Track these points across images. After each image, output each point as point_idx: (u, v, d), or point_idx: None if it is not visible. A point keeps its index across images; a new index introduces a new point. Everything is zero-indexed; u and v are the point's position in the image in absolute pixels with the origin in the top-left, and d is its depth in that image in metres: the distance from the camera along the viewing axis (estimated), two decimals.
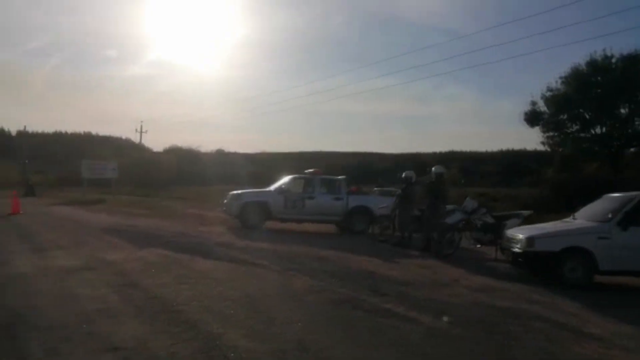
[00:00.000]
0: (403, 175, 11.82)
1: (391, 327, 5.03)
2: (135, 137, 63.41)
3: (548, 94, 36.52)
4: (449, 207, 10.55)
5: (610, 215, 7.60)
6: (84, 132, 68.87)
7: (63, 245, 9.55)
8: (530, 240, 7.70)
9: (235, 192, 14.78)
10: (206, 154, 54.52)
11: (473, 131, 75.50)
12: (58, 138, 68.14)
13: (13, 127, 67.32)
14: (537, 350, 4.63)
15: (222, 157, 53.46)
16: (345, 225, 14.45)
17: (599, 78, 34.27)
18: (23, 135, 52.14)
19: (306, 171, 15.70)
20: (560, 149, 37.70)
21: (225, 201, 14.69)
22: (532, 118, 37.86)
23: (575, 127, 36.37)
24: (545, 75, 75.77)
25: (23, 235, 10.93)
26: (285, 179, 15.00)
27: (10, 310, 5.30)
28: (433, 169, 10.96)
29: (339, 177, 15.10)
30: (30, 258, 8.19)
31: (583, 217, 8.18)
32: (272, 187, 14.88)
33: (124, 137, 66.70)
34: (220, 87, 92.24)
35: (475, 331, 5.05)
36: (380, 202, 14.13)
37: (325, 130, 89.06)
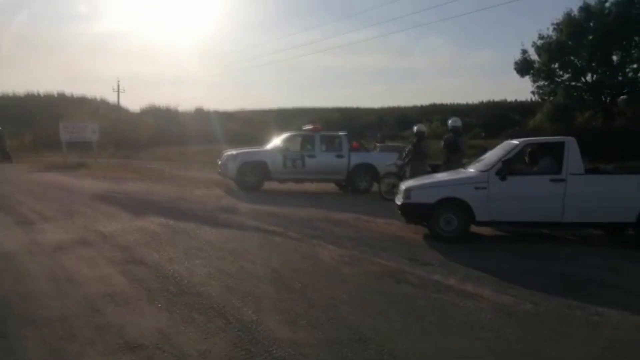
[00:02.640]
0: (415, 129, 11.02)
1: (452, 305, 4.35)
2: (111, 97, 61.14)
3: (539, 41, 35.70)
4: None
5: (491, 165, 7.17)
6: (58, 92, 65.91)
7: (51, 216, 8.63)
8: (407, 191, 7.35)
9: (230, 152, 13.84)
10: (184, 114, 53.01)
11: (453, 83, 74.46)
12: (30, 99, 65.28)
13: None
14: None
15: (201, 116, 51.99)
16: (348, 184, 13.71)
17: (591, 24, 33.48)
18: None
19: (304, 127, 14.81)
20: (551, 98, 37.21)
21: (220, 162, 13.78)
22: (523, 67, 37.09)
23: (566, 76, 35.81)
24: (527, 24, 74.28)
25: (4, 206, 9.94)
26: (283, 137, 14.08)
27: (0, 300, 4.48)
28: (449, 121, 10.19)
29: (340, 132, 14.23)
30: (15, 233, 7.29)
31: (475, 167, 7.72)
32: (269, 146, 13.97)
33: (99, 98, 64.08)
34: (196, 42, 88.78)
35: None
36: (384, 159, 13.35)
37: (305, 85, 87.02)
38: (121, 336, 3.72)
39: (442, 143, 10.28)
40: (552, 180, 6.88)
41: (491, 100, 47.55)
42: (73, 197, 11.20)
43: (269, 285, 4.88)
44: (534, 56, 35.99)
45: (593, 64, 33.96)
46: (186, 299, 4.50)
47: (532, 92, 38.42)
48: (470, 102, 47.84)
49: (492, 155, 7.69)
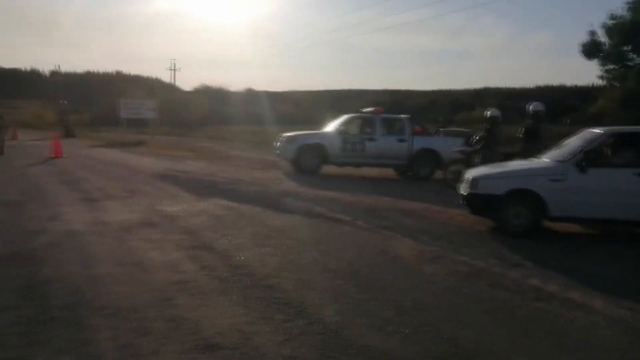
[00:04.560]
0: (488, 113, 10.28)
1: (559, 317, 3.83)
2: (165, 76, 62.37)
3: (611, 22, 33.34)
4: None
5: (570, 155, 6.47)
6: (115, 71, 67.97)
7: (115, 194, 8.61)
8: (474, 181, 6.73)
9: (289, 134, 13.53)
10: (235, 93, 53.40)
11: (508, 66, 71.11)
12: (89, 77, 67.67)
13: (45, 67, 66.94)
14: None
15: (251, 97, 52.23)
16: (409, 170, 13.15)
17: None
18: (56, 75, 51.45)
19: (364, 110, 14.27)
20: (620, 84, 34.86)
21: (277, 144, 13.51)
22: (591, 50, 34.82)
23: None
24: (587, 5, 69.67)
25: (69, 182, 10.05)
26: (342, 119, 13.62)
27: (70, 284, 4.32)
28: (530, 106, 9.41)
29: (402, 115, 13.63)
30: (81, 211, 7.26)
31: (551, 156, 6.96)
32: (328, 129, 13.57)
33: (153, 77, 65.59)
34: (248, 22, 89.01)
35: None
36: (448, 144, 12.69)
37: (355, 67, 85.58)
38: (196, 332, 3.45)
39: (520, 129, 9.54)
40: (637, 174, 6.18)
41: (548, 84, 44.92)
42: (134, 175, 11.24)
43: (346, 281, 4.50)
44: (602, 38, 33.69)
45: None
46: (260, 292, 4.19)
47: (600, 77, 36.18)
48: (525, 85, 45.37)
49: (569, 145, 7.00)
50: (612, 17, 33.19)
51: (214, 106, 49.17)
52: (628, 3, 32.44)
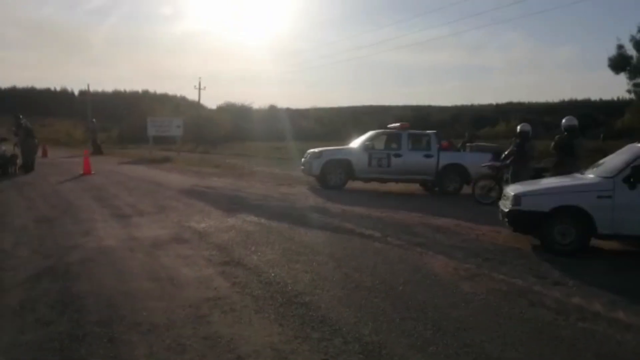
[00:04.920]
0: (518, 128, 10.09)
1: (608, 338, 3.66)
2: (190, 94, 63.51)
3: (639, 35, 32.77)
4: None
5: (617, 170, 6.18)
6: (142, 90, 69.52)
7: (145, 210, 8.67)
8: (517, 198, 6.49)
9: (314, 149, 13.53)
10: (258, 110, 54.05)
11: (530, 80, 70.18)
12: (117, 96, 69.28)
13: (75, 86, 68.84)
14: None
15: (274, 113, 52.77)
16: (436, 185, 12.99)
17: None
18: (86, 94, 52.90)
19: (390, 125, 14.19)
20: None
21: (303, 159, 13.51)
22: (618, 63, 34.22)
23: None
24: (611, 20, 68.58)
25: (100, 198, 10.18)
26: (368, 135, 13.57)
27: (104, 299, 4.32)
28: (563, 120, 9.19)
29: (429, 131, 13.51)
30: (113, 227, 7.32)
31: (596, 172, 6.69)
32: (353, 144, 13.53)
33: (179, 95, 66.85)
34: (270, 41, 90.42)
35: None
36: (475, 160, 12.51)
37: (377, 83, 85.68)
38: (232, 350, 3.39)
39: (552, 144, 9.32)
40: None
41: (573, 98, 44.24)
42: (163, 191, 11.34)
43: (381, 299, 4.40)
44: (630, 52, 33.11)
45: None
46: (294, 309, 4.12)
47: (628, 91, 35.53)
48: (549, 100, 44.73)
49: (614, 160, 6.78)
50: None
51: (237, 123, 49.82)
52: None
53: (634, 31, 32.44)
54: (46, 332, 3.65)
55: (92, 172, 15.33)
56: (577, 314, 4.09)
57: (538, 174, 9.93)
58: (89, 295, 4.40)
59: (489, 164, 11.27)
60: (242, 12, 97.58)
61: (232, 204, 9.41)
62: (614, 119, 38.82)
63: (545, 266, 5.55)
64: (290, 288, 4.64)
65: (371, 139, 13.36)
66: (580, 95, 44.39)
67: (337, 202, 10.02)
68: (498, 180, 10.89)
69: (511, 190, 6.95)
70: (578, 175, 7.26)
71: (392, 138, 13.33)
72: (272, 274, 5.05)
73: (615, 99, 36.97)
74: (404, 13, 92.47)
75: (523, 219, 6.49)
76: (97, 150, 26.09)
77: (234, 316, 3.99)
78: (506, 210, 6.72)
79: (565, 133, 9.02)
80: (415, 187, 13.55)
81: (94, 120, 29.96)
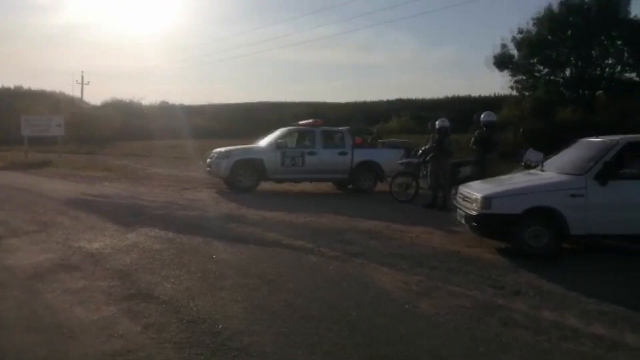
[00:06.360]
0: (437, 124, 9.85)
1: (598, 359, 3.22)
2: (71, 91, 58.19)
3: (518, 36, 35.41)
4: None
5: (586, 167, 6.03)
6: (14, 86, 62.23)
7: (20, 228, 7.09)
8: (486, 200, 6.00)
9: (221, 149, 12.42)
10: (149, 107, 50.92)
11: (415, 79, 74.11)
12: None
13: None
14: None
15: (166, 110, 50.10)
16: (350, 183, 12.53)
17: (570, 19, 33.33)
18: None
19: (300, 122, 13.48)
20: (528, 93, 37.02)
21: (209, 160, 12.36)
22: (502, 61, 36.77)
23: (545, 70, 35.64)
24: (487, 21, 74.55)
25: None
26: (279, 132, 12.75)
27: None
28: (482, 115, 9.10)
29: (342, 127, 13.01)
30: None
31: (553, 169, 6.57)
32: (263, 142, 12.64)
33: (58, 91, 60.80)
34: (160, 35, 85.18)
35: None
36: (389, 156, 12.24)
37: (271, 80, 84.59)
38: None
39: (472, 140, 9.20)
40: None
41: (455, 95, 47.33)
42: (44, 202, 9.59)
43: (336, 332, 3.62)
44: (512, 51, 35.72)
45: (572, 59, 33.90)
46: (233, 358, 3.21)
47: (511, 87, 38.33)
48: (435, 96, 47.43)
49: (572, 156, 6.51)
50: (520, 31, 35.28)
51: (126, 120, 46.55)
52: (533, 18, 34.65)
53: (515, 32, 34.88)
54: None
55: None
56: (557, 332, 3.62)
57: (457, 169, 9.83)
58: None
59: (405, 160, 11.00)
60: (127, 5, 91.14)
61: (131, 215, 8.08)
62: (495, 113, 41.87)
63: (495, 272, 5.13)
64: (221, 327, 3.70)
65: (283, 136, 12.54)
66: (462, 92, 47.32)
67: (253, 207, 9.11)
68: (415, 177, 10.66)
69: (475, 191, 6.32)
70: (535, 172, 6.84)
71: (305, 135, 12.66)
72: (195, 308, 4.06)
73: (494, 95, 39.74)
74: (295, 11, 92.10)
75: (494, 223, 5.93)
76: None
77: None
78: (473, 213, 6.10)
79: (484, 128, 8.94)
80: (327, 186, 13.02)
81: None
